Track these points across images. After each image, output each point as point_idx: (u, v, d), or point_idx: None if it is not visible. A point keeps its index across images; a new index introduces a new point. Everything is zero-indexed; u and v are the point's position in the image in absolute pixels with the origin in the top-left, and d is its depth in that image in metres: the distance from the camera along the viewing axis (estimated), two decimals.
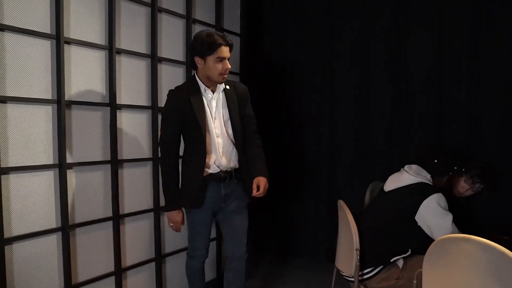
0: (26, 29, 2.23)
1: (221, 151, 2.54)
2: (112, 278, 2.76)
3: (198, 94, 2.51)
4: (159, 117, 2.94)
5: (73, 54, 2.48)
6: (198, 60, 2.46)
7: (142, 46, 2.92)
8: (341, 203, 2.79)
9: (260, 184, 2.55)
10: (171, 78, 3.14)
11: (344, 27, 3.93)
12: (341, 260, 2.82)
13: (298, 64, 4.15)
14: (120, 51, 2.74)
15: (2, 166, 2.14)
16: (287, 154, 4.24)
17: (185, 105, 2.46)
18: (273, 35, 4.25)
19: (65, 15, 2.41)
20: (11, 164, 2.20)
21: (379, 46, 3.79)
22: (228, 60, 2.47)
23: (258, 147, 2.71)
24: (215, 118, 2.53)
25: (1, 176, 2.14)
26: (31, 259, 2.30)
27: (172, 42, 3.15)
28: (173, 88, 2.60)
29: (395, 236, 2.61)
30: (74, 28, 2.48)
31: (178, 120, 2.50)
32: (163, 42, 3.06)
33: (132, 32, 2.84)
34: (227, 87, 2.59)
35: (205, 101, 2.52)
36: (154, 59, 2.96)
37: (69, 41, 2.45)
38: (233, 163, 2.61)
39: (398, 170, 2.84)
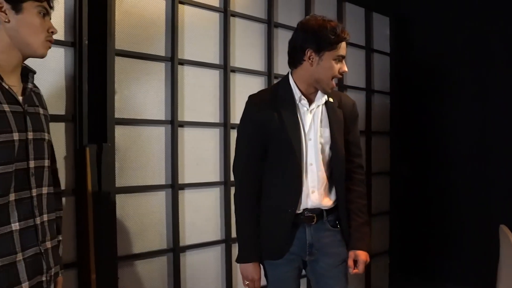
0: (200, 62, 2.56)
1: (312, 185, 1.83)
2: None
3: (291, 105, 1.83)
4: None
5: (237, 81, 2.74)
6: (311, 55, 1.76)
7: None
8: (504, 228, 2.62)
9: (359, 261, 1.84)
10: None
11: (500, 37, 3.69)
12: None
13: (450, 80, 4.00)
14: (277, 76, 2.94)
15: (179, 182, 2.44)
16: (444, 171, 4.05)
17: (271, 118, 1.80)
18: (423, 52, 4.13)
19: (231, 48, 2.69)
20: (187, 181, 2.50)
21: None
22: None
23: (361, 197, 1.94)
24: (309, 139, 1.83)
25: (178, 191, 2.44)
26: (199, 266, 2.57)
27: None
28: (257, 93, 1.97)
29: None
30: (238, 58, 2.75)
31: (260, 139, 1.82)
32: None
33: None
34: (330, 99, 1.88)
35: (298, 114, 1.84)
36: None
37: (234, 69, 2.71)
38: (327, 201, 1.86)
39: None
